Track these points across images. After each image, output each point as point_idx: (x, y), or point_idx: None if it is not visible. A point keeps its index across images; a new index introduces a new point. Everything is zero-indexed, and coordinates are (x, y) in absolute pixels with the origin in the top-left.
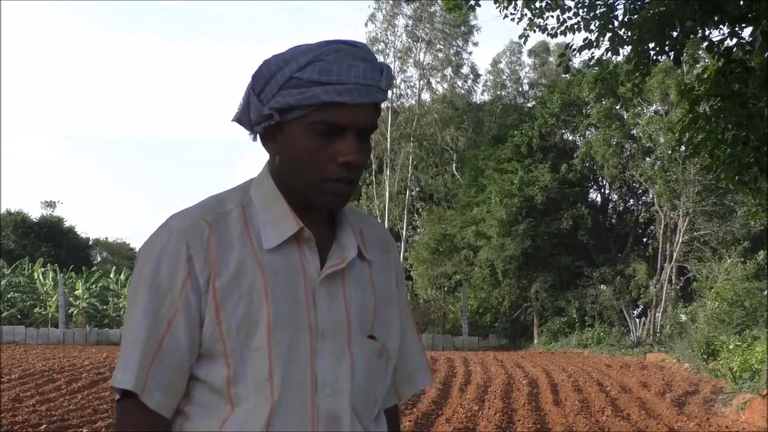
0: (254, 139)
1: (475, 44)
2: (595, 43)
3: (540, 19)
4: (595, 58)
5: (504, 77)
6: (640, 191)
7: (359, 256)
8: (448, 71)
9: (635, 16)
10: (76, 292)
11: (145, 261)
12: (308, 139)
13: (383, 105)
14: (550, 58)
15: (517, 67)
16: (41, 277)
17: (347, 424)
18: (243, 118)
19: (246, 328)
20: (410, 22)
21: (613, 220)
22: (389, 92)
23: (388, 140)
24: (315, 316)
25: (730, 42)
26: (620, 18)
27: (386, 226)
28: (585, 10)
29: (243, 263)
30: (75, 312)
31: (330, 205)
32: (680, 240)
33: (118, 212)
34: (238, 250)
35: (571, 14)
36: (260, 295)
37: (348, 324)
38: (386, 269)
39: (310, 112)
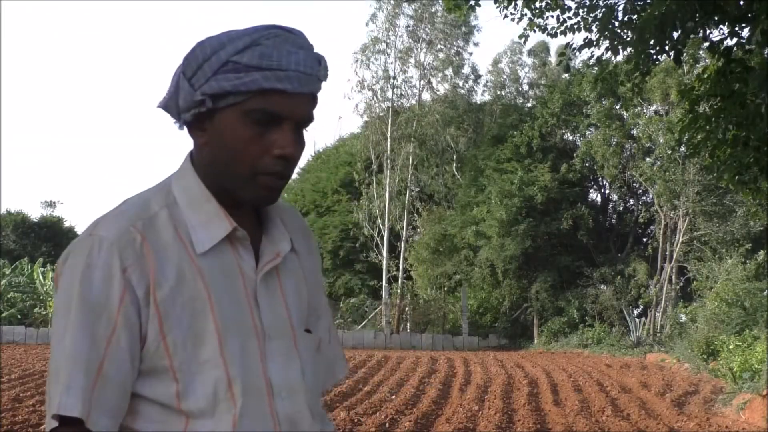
0: (180, 127)
1: (476, 44)
2: (595, 43)
3: (540, 19)
4: (595, 57)
5: (504, 77)
6: (640, 191)
7: (290, 248)
8: (449, 71)
9: (635, 16)
10: None
11: (73, 276)
12: (243, 128)
13: (382, 106)
14: (550, 58)
15: (518, 67)
16: (41, 277)
17: (307, 426)
18: (170, 104)
19: (193, 340)
20: (411, 23)
21: (613, 220)
22: (393, 92)
23: (389, 140)
24: (259, 318)
25: (731, 42)
26: (620, 18)
27: (386, 226)
28: (585, 10)
29: (182, 270)
30: None
31: (261, 200)
32: (680, 240)
33: None
34: (174, 257)
35: (571, 14)
36: (203, 304)
37: (290, 321)
38: (310, 256)
39: (247, 99)
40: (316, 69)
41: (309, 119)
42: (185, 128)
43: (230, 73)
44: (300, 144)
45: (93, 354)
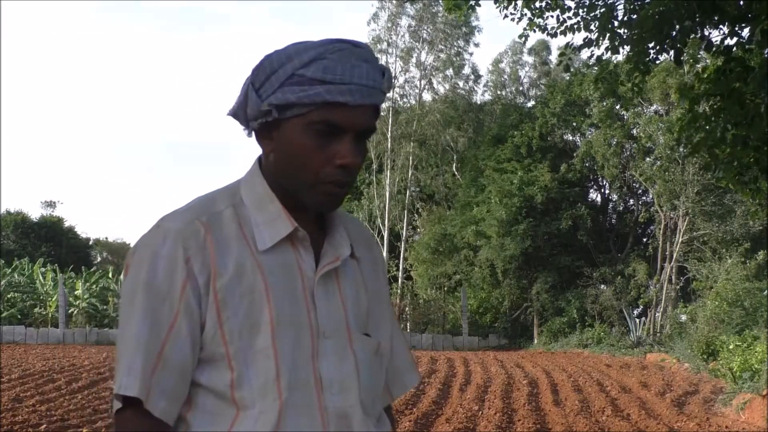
0: (249, 134)
1: (476, 45)
2: (595, 43)
3: (540, 19)
4: (595, 57)
5: (505, 77)
6: (640, 191)
7: (350, 253)
8: (449, 72)
9: (635, 16)
10: (76, 292)
11: (141, 264)
12: (306, 138)
13: (383, 106)
14: (551, 57)
15: (518, 67)
16: (41, 277)
17: (358, 422)
18: (239, 112)
19: (249, 329)
20: (413, 23)
21: (613, 220)
22: (388, 95)
23: (389, 140)
24: (315, 316)
25: (730, 41)
26: (620, 17)
27: (386, 226)
28: (585, 10)
29: (242, 264)
30: (75, 312)
31: (323, 206)
32: (680, 240)
33: (118, 212)
34: (236, 251)
35: (571, 14)
36: (261, 296)
37: (347, 322)
38: (373, 266)
39: (311, 110)
40: (379, 81)
41: (371, 130)
42: (253, 135)
43: (295, 85)
44: (361, 153)
45: (154, 338)
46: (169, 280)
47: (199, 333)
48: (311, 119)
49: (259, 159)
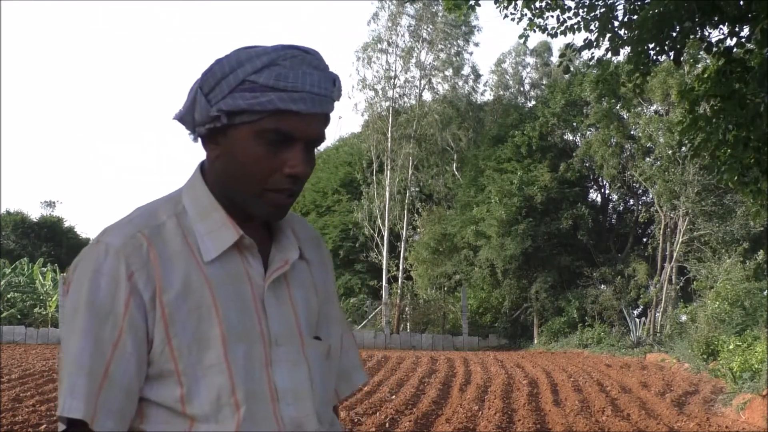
0: (195, 139)
1: (476, 45)
2: (595, 43)
3: (540, 19)
4: (595, 58)
5: (507, 77)
6: (640, 191)
7: (299, 255)
8: (449, 71)
9: (635, 17)
10: None
11: (82, 282)
12: (255, 146)
13: (383, 105)
14: (552, 58)
15: (520, 68)
16: (41, 277)
17: (312, 430)
18: (186, 117)
19: (198, 345)
20: (413, 22)
21: (613, 220)
22: (394, 91)
23: (389, 140)
24: (266, 324)
25: (730, 42)
26: (620, 18)
27: (386, 226)
28: (585, 10)
29: (188, 278)
30: None
31: (269, 216)
32: (680, 240)
33: (117, 212)
34: (181, 264)
35: (571, 14)
36: (209, 310)
37: (298, 328)
38: (322, 266)
39: (262, 118)
40: (330, 90)
41: (321, 138)
42: (199, 141)
43: (247, 92)
44: (310, 162)
45: (98, 357)
46: (112, 298)
47: (145, 350)
48: (262, 127)
49: (201, 165)
